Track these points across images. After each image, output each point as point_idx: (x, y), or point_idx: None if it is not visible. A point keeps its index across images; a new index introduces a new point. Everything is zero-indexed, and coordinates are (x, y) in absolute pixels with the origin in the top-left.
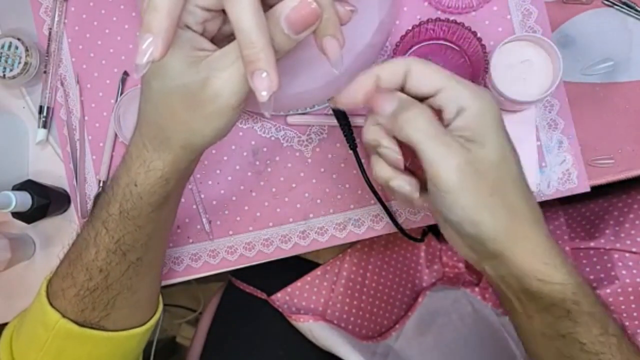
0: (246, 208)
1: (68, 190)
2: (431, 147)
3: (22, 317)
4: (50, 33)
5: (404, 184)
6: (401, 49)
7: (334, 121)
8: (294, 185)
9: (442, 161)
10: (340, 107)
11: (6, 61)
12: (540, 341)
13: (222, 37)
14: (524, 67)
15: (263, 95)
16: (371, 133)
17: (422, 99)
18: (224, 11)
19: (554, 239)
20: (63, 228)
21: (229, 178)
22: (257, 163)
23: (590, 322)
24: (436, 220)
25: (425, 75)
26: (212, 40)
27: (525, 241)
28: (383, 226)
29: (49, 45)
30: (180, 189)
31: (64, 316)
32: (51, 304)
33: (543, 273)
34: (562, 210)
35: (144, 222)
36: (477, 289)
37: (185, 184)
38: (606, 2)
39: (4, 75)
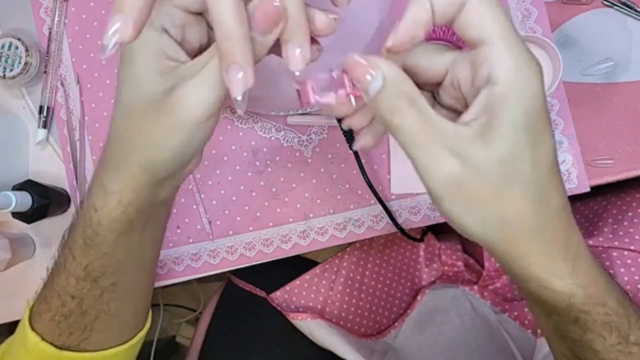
0: (246, 208)
1: (68, 190)
2: (415, 153)
3: (12, 338)
4: (50, 33)
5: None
6: None
7: (334, 121)
8: (294, 185)
9: (427, 169)
10: (399, 50)
11: (6, 61)
12: (554, 338)
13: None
14: None
15: (237, 90)
16: None
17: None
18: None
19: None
20: (63, 228)
21: (229, 178)
22: (257, 163)
23: (604, 331)
24: None
25: (481, 15)
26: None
27: (523, 248)
28: (383, 226)
29: (49, 45)
30: (151, 218)
31: (43, 339)
32: (32, 327)
33: (544, 280)
34: None
35: (109, 249)
36: (476, 287)
37: (162, 212)
38: (606, 3)
39: (4, 75)
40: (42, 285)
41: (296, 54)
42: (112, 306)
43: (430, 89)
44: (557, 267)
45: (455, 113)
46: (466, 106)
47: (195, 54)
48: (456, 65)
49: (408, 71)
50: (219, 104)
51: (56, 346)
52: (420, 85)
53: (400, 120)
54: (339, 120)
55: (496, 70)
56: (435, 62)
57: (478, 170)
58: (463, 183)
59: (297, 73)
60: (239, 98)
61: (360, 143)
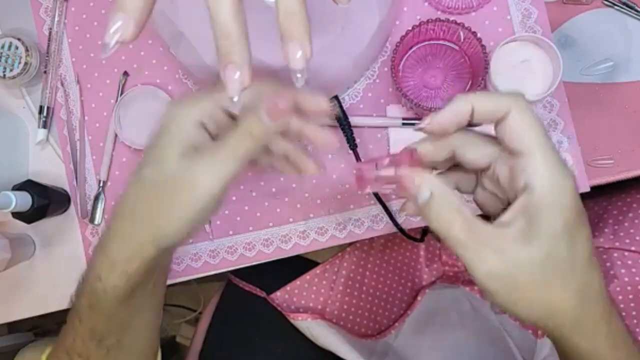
0: (246, 208)
1: (68, 190)
2: (464, 254)
3: None
4: (50, 33)
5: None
6: (401, 49)
7: (334, 121)
8: (294, 185)
9: (475, 267)
10: (430, 132)
11: (6, 61)
12: None
13: None
14: (523, 67)
15: (233, 90)
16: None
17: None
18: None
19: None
20: (63, 228)
21: None
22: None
23: None
24: None
25: (521, 129)
26: None
27: (569, 330)
28: (383, 226)
29: (49, 45)
30: (152, 284)
31: None
32: None
33: (589, 353)
34: None
35: (113, 311)
36: (476, 288)
37: (162, 275)
38: (606, 3)
39: (4, 75)
40: (56, 341)
41: (297, 56)
42: None
43: (475, 172)
44: (600, 343)
45: (495, 197)
46: (505, 198)
47: None
48: (497, 162)
49: (456, 157)
50: (233, 178)
51: None
52: (466, 169)
53: (448, 227)
54: (340, 121)
55: (533, 180)
56: (480, 154)
57: (521, 267)
58: (508, 278)
59: (299, 75)
60: (235, 99)
61: (406, 211)
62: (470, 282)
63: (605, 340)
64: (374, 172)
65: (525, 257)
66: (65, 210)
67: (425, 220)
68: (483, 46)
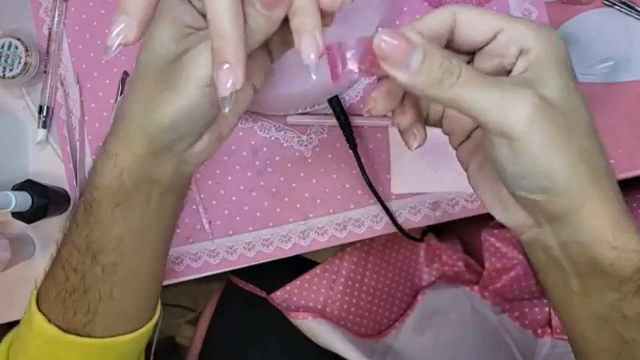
0: (246, 208)
1: (68, 190)
2: (490, 100)
3: (18, 326)
4: (50, 33)
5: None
6: None
7: (334, 121)
8: (294, 185)
9: (508, 106)
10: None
11: (6, 61)
12: (595, 324)
13: None
14: None
15: (225, 89)
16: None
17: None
18: None
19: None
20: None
21: (229, 178)
22: (257, 163)
23: None
24: (474, 185)
25: (477, 21)
26: None
27: (599, 198)
28: (383, 226)
29: (48, 45)
30: (153, 199)
31: (49, 321)
32: (39, 308)
33: (617, 239)
34: None
35: (106, 220)
36: (476, 288)
37: (167, 198)
38: (606, 2)
39: (4, 75)
40: (50, 261)
41: (310, 51)
42: (114, 291)
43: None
44: (626, 221)
45: None
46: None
47: None
48: (482, 57)
49: (459, 35)
50: None
51: (62, 329)
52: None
53: (455, 78)
54: (340, 121)
55: (524, 42)
56: (486, 25)
57: (553, 102)
58: (546, 110)
59: (314, 76)
60: (226, 96)
61: (373, 108)
62: (470, 282)
63: (629, 219)
64: (348, 51)
65: (553, 94)
66: (66, 210)
67: (419, 90)
68: None
